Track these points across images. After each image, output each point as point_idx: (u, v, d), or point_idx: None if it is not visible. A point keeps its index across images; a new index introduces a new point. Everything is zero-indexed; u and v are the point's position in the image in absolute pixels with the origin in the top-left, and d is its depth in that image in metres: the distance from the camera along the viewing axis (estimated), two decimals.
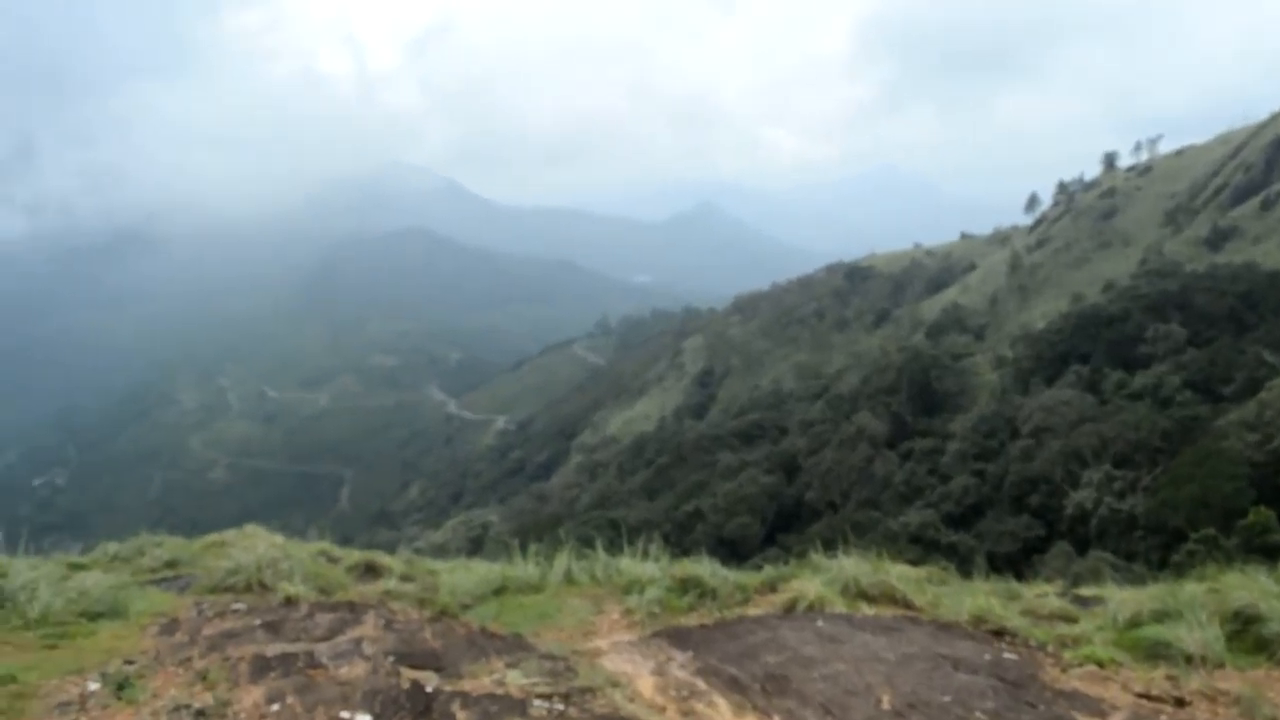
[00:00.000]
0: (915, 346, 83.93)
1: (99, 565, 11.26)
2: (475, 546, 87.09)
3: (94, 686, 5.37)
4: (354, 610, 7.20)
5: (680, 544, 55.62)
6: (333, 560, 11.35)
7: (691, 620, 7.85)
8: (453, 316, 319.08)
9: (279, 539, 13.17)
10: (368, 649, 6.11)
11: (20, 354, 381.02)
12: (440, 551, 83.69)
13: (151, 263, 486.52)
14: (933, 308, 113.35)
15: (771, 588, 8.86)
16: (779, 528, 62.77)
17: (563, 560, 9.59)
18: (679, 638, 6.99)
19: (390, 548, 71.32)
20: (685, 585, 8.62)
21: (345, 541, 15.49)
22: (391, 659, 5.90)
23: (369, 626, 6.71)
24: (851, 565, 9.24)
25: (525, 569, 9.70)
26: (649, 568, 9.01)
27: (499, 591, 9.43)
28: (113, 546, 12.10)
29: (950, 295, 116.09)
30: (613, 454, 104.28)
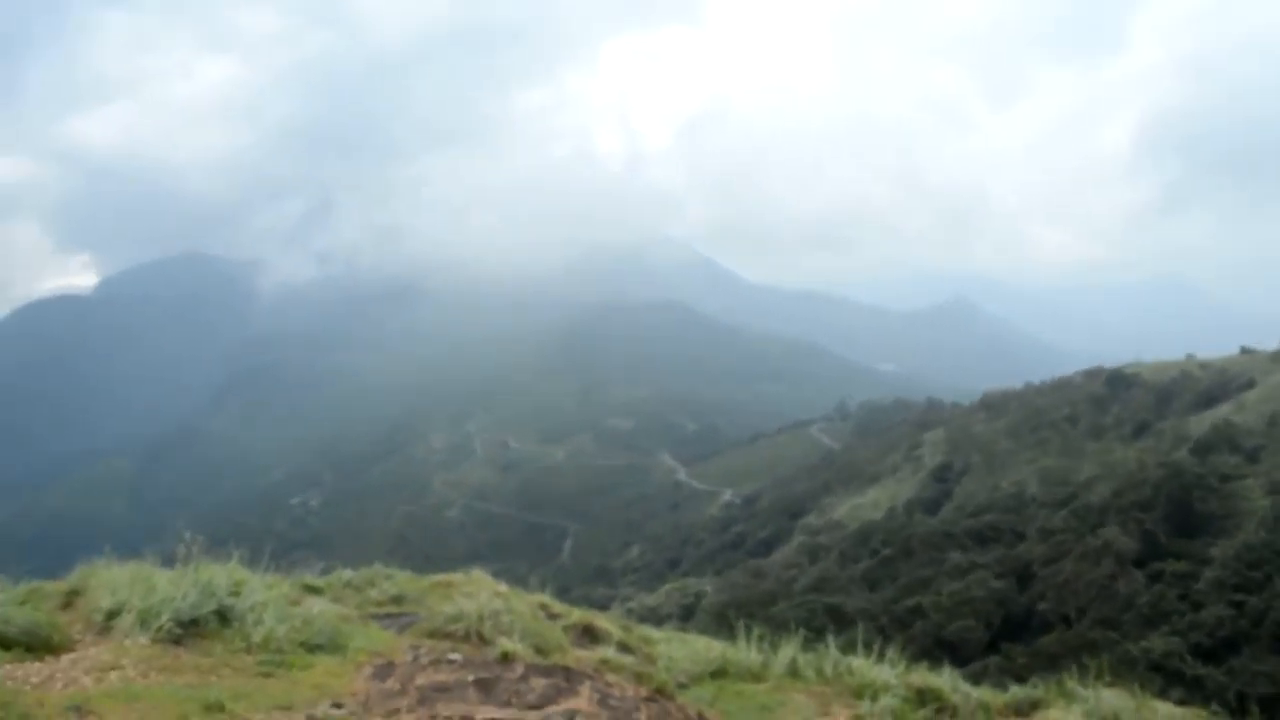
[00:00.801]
0: (1178, 463, 77.69)
1: (331, 590, 12.40)
2: (687, 614, 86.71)
3: None
4: (569, 678, 7.00)
5: (896, 639, 53.30)
6: (553, 616, 11.38)
7: None
8: (694, 388, 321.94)
9: (502, 588, 13.39)
10: None
11: (302, 384, 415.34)
12: (653, 614, 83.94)
13: (422, 313, 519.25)
14: (1201, 424, 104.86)
15: (1018, 711, 8.03)
16: (1004, 636, 59.18)
17: (788, 650, 9.06)
18: None
19: (605, 605, 72.06)
20: (922, 697, 7.90)
21: (563, 593, 15.63)
22: None
23: (583, 699, 6.48)
24: (1112, 698, 8.19)
25: (747, 653, 9.24)
26: (884, 672, 8.35)
27: (717, 674, 9.01)
28: (346, 574, 13.19)
29: (1223, 412, 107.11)
30: (837, 539, 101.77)
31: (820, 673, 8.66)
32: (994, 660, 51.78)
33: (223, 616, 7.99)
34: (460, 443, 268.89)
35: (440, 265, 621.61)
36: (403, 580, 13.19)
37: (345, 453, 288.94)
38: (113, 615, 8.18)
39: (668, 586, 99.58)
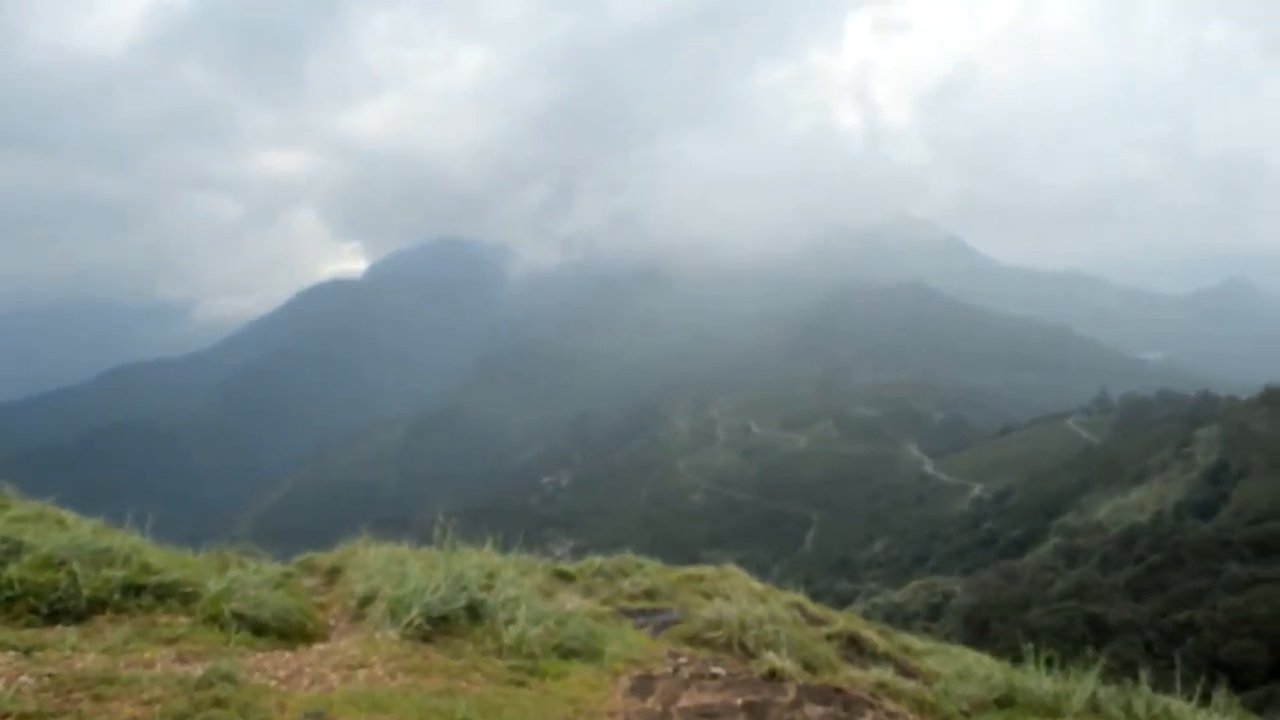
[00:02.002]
0: None
1: (582, 578, 12.55)
2: (934, 613, 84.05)
3: None
4: (848, 707, 6.32)
5: (1164, 656, 49.62)
6: (814, 622, 10.85)
7: None
8: (941, 374, 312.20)
9: (758, 585, 13.07)
10: None
11: (548, 365, 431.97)
12: (898, 611, 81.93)
13: (665, 296, 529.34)
14: None
15: None
16: None
17: (1088, 681, 7.94)
18: None
19: (849, 599, 71.11)
20: None
21: (806, 584, 15.17)
22: None
23: None
24: None
25: (1037, 679, 8.20)
26: None
27: (1003, 703, 8.03)
28: (598, 561, 13.37)
29: None
30: (1097, 542, 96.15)
31: (1130, 712, 7.51)
32: None
33: (474, 612, 7.82)
34: (703, 426, 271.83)
35: (681, 248, 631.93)
36: (654, 571, 13.18)
37: (593, 433, 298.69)
38: (366, 602, 8.26)
39: (914, 583, 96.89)
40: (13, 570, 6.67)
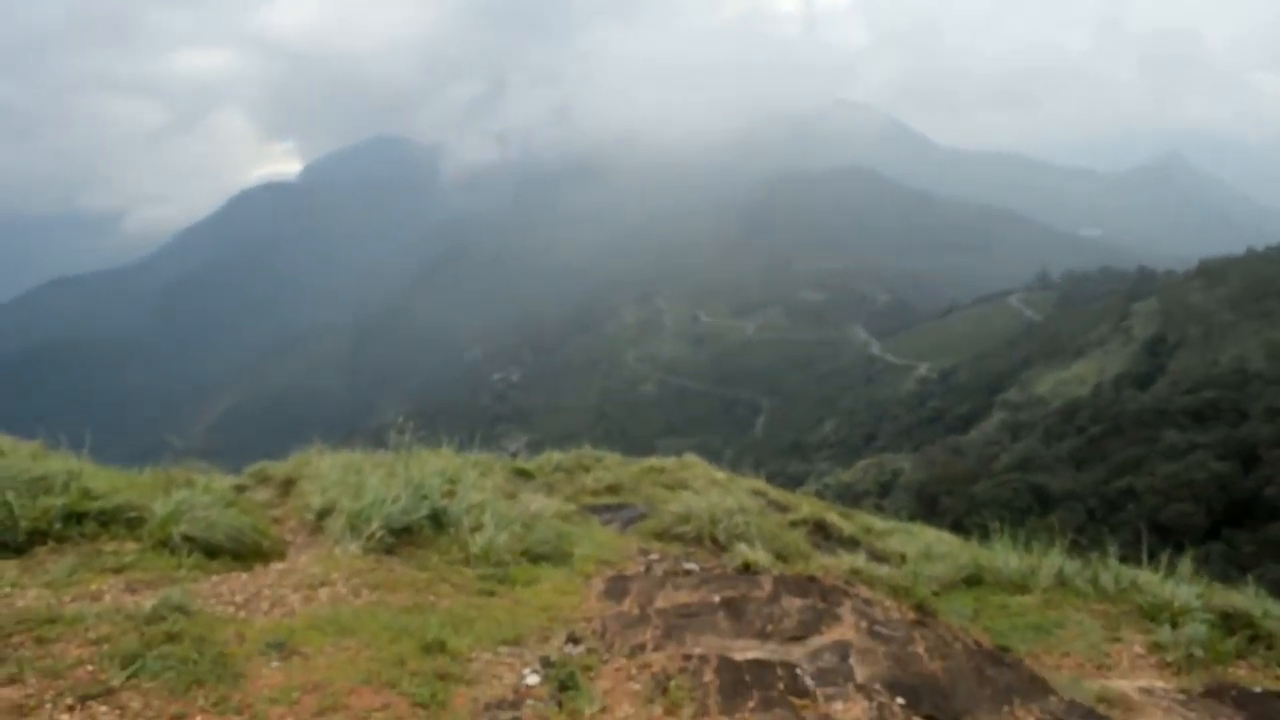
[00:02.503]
0: None
1: (543, 475, 12.38)
2: (884, 490, 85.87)
3: (531, 680, 4.71)
4: (825, 597, 6.06)
5: (1106, 522, 50.94)
6: (777, 508, 10.79)
7: (1244, 675, 5.98)
8: (885, 258, 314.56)
9: (719, 474, 12.99)
10: (858, 673, 4.87)
11: (489, 265, 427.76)
12: (849, 490, 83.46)
13: (601, 191, 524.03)
14: None
15: None
16: (1227, 521, 55.89)
17: (1054, 557, 7.89)
18: (1240, 702, 5.21)
19: (801, 480, 71.95)
20: (1229, 622, 6.68)
21: (757, 468, 15.14)
22: (898, 700, 4.60)
23: (848, 626, 5.46)
24: None
25: (1004, 557, 8.17)
26: (1181, 591, 7.11)
27: (971, 581, 8.01)
28: (556, 456, 13.14)
29: None
30: (1040, 415, 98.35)
31: (1097, 586, 7.46)
32: (1216, 547, 48.96)
33: (437, 521, 7.47)
34: (650, 317, 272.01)
35: (616, 142, 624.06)
36: (614, 464, 12.96)
37: (540, 329, 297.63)
38: (324, 515, 7.87)
39: (864, 462, 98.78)
40: None
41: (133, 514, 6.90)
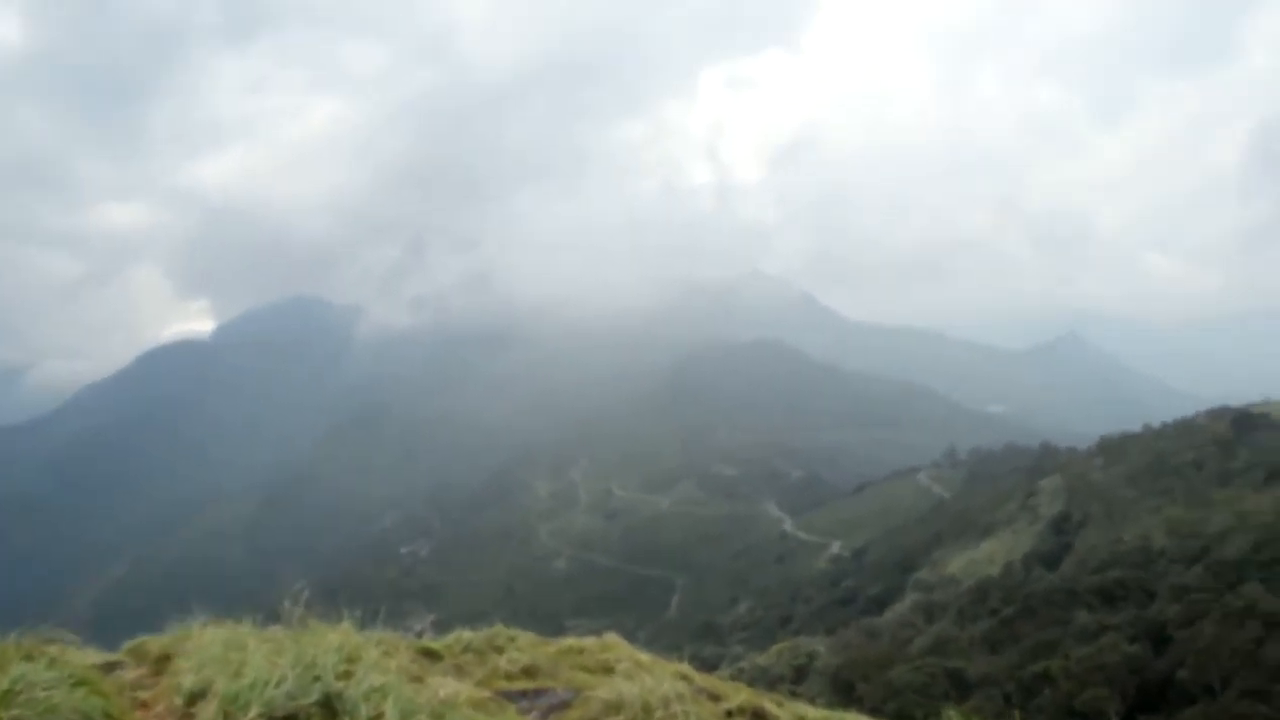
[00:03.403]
0: None
1: (451, 656, 10.88)
2: (799, 675, 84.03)
3: None
4: None
5: (1024, 708, 50.16)
6: (713, 697, 10.03)
7: None
8: (798, 432, 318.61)
9: (643, 656, 12.09)
10: None
11: (402, 431, 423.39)
12: (764, 675, 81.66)
13: (518, 357, 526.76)
14: None
15: None
16: (1140, 706, 55.47)
17: None
18: None
19: (715, 664, 70.43)
20: None
21: (672, 650, 14.38)
22: None
23: None
24: None
25: None
26: None
27: None
28: (467, 635, 11.66)
29: None
30: (953, 596, 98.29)
31: None
32: None
33: (329, 708, 6.12)
34: (564, 490, 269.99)
35: (533, 308, 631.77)
36: (529, 644, 11.62)
37: (452, 500, 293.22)
38: (195, 698, 6.56)
39: (778, 646, 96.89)
40: None
41: None
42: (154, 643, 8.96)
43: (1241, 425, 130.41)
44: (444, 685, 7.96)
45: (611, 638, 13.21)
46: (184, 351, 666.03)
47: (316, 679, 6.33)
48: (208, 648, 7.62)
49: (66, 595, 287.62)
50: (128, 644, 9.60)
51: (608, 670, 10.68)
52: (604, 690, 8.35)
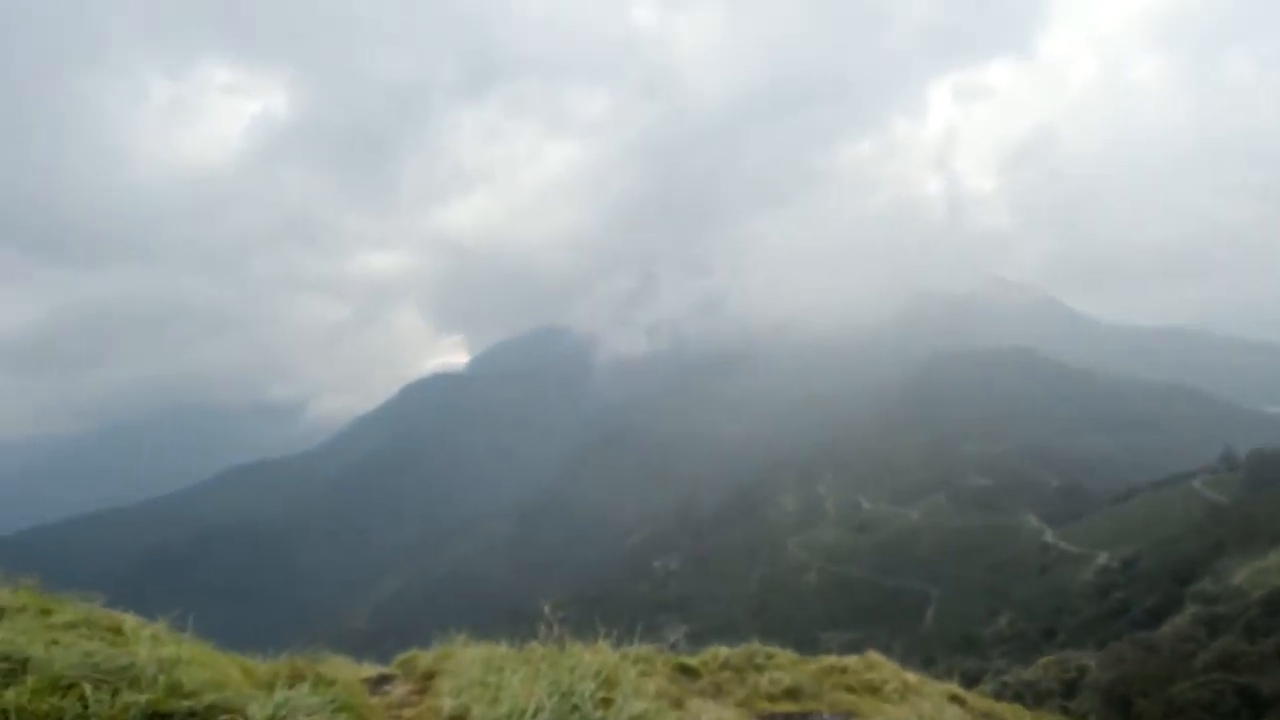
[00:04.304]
0: None
1: (708, 673, 11.35)
2: (1069, 691, 79.85)
3: None
4: None
5: None
6: (984, 716, 9.63)
7: None
8: (1052, 440, 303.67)
9: (910, 676, 11.69)
10: None
11: (646, 451, 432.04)
12: (1030, 690, 78.04)
13: (753, 377, 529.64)
14: None
15: None
16: None
17: None
18: None
19: (976, 678, 67.96)
20: None
21: (928, 664, 13.97)
22: None
23: None
24: None
25: None
26: None
27: None
28: (724, 652, 12.09)
29: None
30: (1239, 608, 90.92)
31: None
32: None
33: None
34: (811, 504, 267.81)
35: (767, 329, 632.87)
36: (788, 663, 11.81)
37: (700, 516, 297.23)
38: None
39: (1045, 659, 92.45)
40: (10, 696, 5.46)
41: (225, 716, 5.92)
42: (423, 658, 9.88)
43: None
44: (705, 710, 7.82)
45: (874, 656, 12.84)
46: (442, 383, 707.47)
47: (575, 708, 6.46)
48: (468, 669, 8.17)
49: (347, 610, 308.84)
50: (399, 658, 10.21)
51: (873, 691, 10.34)
52: (874, 715, 7.96)
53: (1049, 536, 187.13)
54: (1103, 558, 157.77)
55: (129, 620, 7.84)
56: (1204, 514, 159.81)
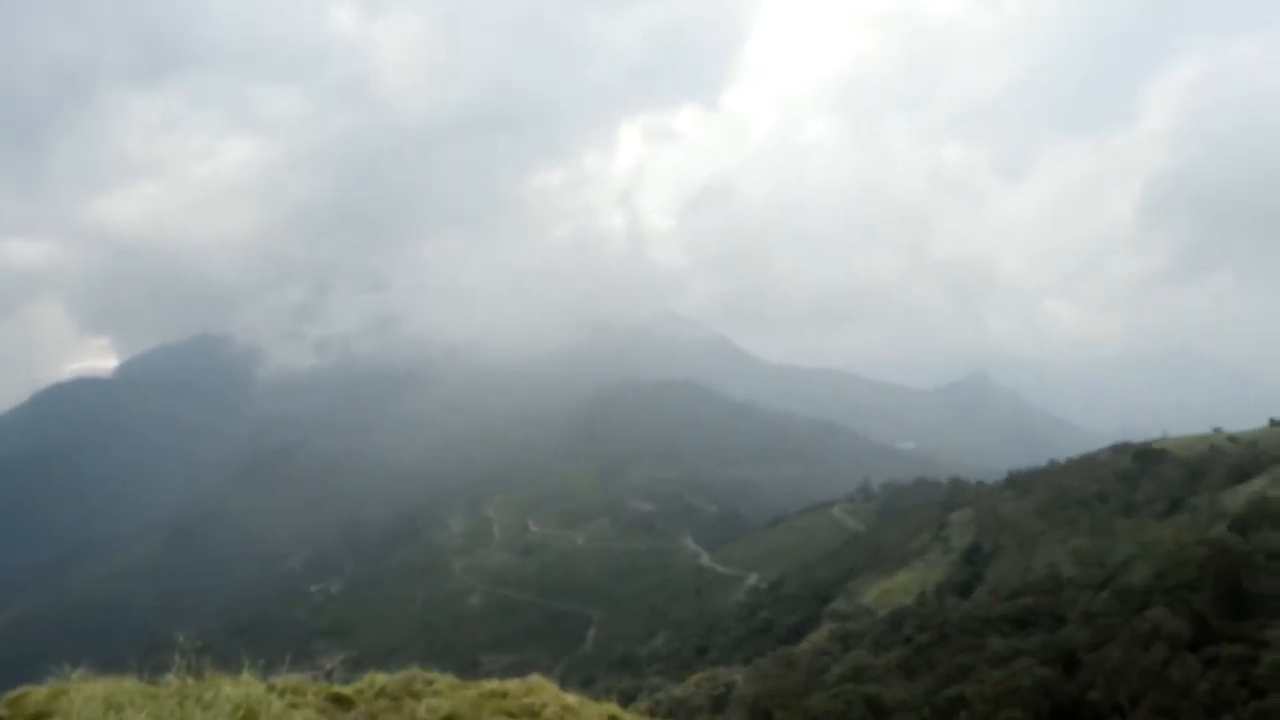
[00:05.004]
0: (1221, 540, 75.15)
1: (364, 702, 10.52)
2: (718, 705, 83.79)
3: None
4: None
5: None
6: None
7: None
8: (713, 469, 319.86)
9: (570, 698, 11.39)
10: None
11: (310, 470, 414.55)
12: (682, 706, 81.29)
13: (425, 398, 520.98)
14: (1236, 499, 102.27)
15: None
16: None
17: None
18: None
19: (632, 696, 69.80)
20: None
21: (587, 684, 14.12)
22: None
23: None
24: None
25: None
26: None
27: None
28: (380, 679, 11.37)
29: (1258, 486, 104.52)
30: (868, 625, 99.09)
31: None
32: None
33: None
34: (479, 527, 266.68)
35: (443, 350, 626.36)
36: (448, 688, 11.40)
37: (364, 537, 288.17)
38: None
39: (696, 676, 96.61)
40: None
41: None
42: (34, 696, 8.54)
43: (1143, 459, 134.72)
44: None
45: (536, 679, 12.53)
46: (85, 388, 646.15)
47: None
48: (85, 708, 7.30)
49: None
50: (5, 696, 8.60)
51: (534, 715, 10.18)
52: None
53: (705, 559, 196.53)
54: (752, 579, 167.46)
55: None
56: (842, 539, 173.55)
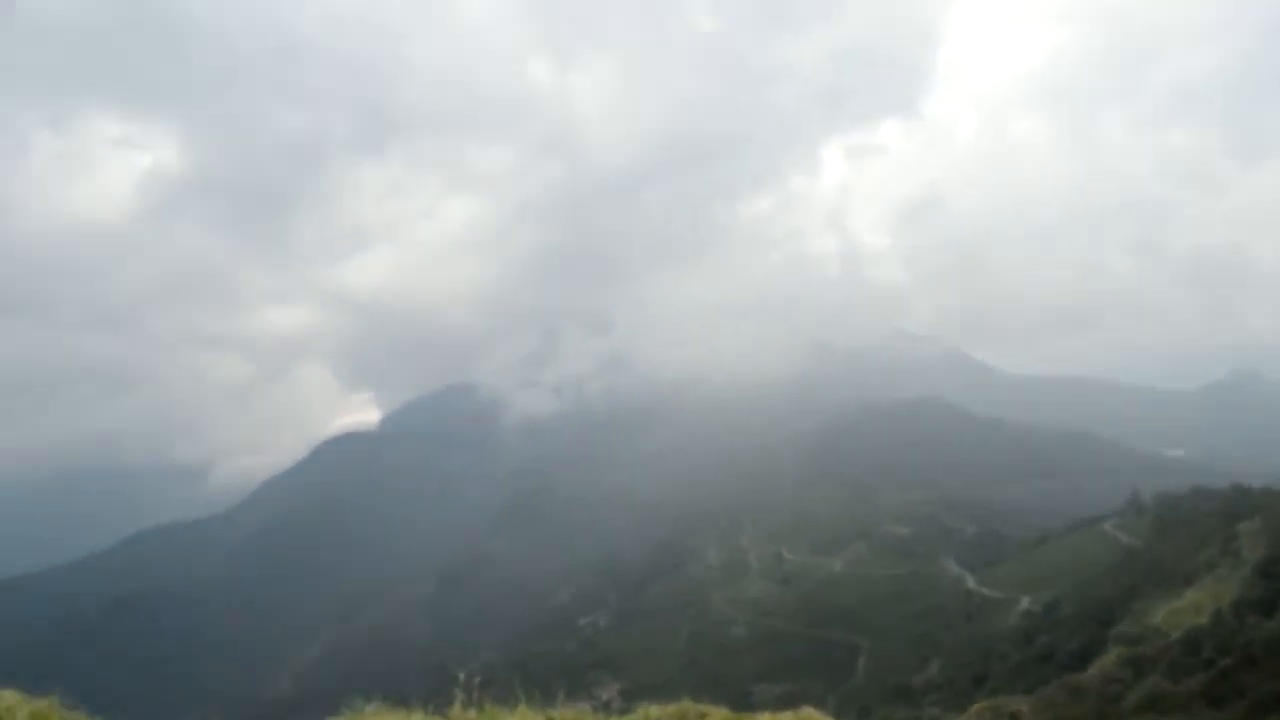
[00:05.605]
0: None
1: None
2: None
3: None
4: None
5: None
6: None
7: None
8: (964, 488, 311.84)
9: None
10: None
11: (567, 511, 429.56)
12: None
13: (661, 433, 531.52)
14: None
15: None
16: None
17: None
18: None
19: None
20: None
21: (864, 716, 15.72)
22: None
23: None
24: None
25: None
26: None
27: None
28: (655, 711, 11.67)
29: None
30: (1160, 649, 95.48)
31: None
32: None
33: None
34: (734, 557, 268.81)
35: (671, 386, 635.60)
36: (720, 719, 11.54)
37: (623, 572, 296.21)
38: None
39: (977, 706, 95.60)
40: None
41: None
42: None
43: None
44: None
45: (809, 711, 12.99)
46: (353, 441, 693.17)
47: None
48: None
49: (266, 677, 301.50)
50: None
51: None
52: None
53: (971, 583, 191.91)
54: (1025, 602, 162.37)
55: (8, 696, 7.80)
56: (1118, 557, 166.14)
